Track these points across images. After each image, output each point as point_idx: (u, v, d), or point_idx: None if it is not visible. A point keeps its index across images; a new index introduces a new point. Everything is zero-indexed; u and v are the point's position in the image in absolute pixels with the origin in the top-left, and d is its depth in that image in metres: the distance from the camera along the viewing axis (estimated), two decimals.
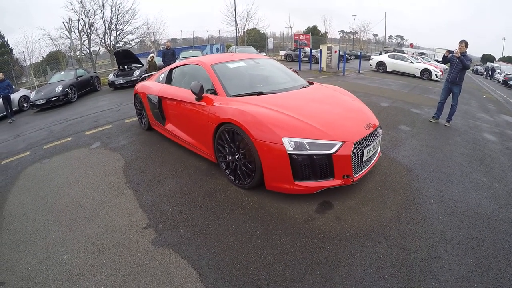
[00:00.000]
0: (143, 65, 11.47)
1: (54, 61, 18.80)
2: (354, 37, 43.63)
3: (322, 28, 38.85)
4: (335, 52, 15.13)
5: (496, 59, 44.00)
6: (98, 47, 21.08)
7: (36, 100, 8.66)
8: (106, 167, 3.57)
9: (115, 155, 3.93)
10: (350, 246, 1.99)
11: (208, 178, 3.05)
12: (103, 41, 20.72)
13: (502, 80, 22.76)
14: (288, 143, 2.21)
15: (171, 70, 4.06)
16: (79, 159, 3.91)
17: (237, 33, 25.48)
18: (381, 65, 15.54)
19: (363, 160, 2.52)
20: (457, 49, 5.32)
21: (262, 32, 28.96)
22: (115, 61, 12.68)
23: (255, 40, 27.31)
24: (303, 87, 3.44)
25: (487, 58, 47.35)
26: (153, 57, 10.45)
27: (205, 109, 2.96)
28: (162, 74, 4.23)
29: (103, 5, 20.14)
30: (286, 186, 2.33)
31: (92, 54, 20.56)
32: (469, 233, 2.28)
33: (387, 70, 15.72)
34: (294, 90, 3.28)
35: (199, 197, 2.69)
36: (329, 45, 15.78)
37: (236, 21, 25.21)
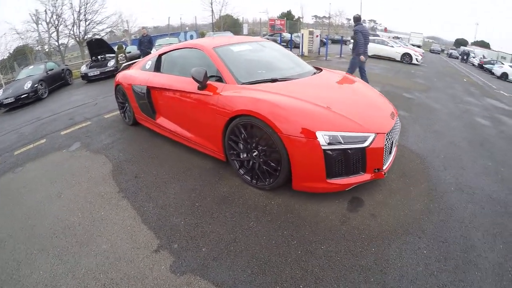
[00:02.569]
0: None
1: (21, 56, 18.15)
2: (329, 21, 45.91)
3: (296, 13, 39.53)
4: (317, 36, 15.43)
5: (469, 43, 47.29)
6: (67, 39, 21.28)
7: (4, 99, 8.21)
8: (91, 173, 3.16)
9: (100, 157, 3.53)
10: (394, 245, 1.96)
11: (218, 180, 2.80)
12: (71, 32, 20.94)
13: (478, 64, 24.65)
14: (322, 138, 2.06)
15: (160, 56, 3.69)
16: (58, 165, 3.45)
17: (213, 19, 25.66)
18: None
19: (391, 151, 2.52)
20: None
21: (236, 18, 29.42)
22: (86, 53, 12.47)
23: (229, 26, 27.66)
24: (314, 73, 3.29)
25: (461, 42, 51.04)
26: (121, 46, 10.03)
27: (211, 99, 2.70)
28: (149, 61, 3.87)
29: None
30: (318, 185, 2.21)
31: (61, 47, 20.52)
32: (492, 219, 2.40)
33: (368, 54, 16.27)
34: (309, 77, 3.10)
35: (213, 204, 2.43)
36: (311, 29, 16.03)
37: (212, 7, 25.33)
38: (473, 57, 28.40)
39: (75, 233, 2.24)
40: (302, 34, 15.17)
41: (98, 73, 10.26)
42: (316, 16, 58.83)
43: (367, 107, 2.57)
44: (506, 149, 4.33)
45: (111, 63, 10.48)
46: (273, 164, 2.33)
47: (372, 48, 16.32)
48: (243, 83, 2.69)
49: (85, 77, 10.38)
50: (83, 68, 10.70)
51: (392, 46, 16.42)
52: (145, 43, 9.71)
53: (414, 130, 4.48)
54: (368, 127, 2.20)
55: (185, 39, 19.66)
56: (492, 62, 22.56)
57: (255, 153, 2.44)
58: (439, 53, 35.92)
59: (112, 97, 6.18)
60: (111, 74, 10.53)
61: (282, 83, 2.76)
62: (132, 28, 23.74)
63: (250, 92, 2.51)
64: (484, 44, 48.41)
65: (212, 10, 25.49)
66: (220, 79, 2.80)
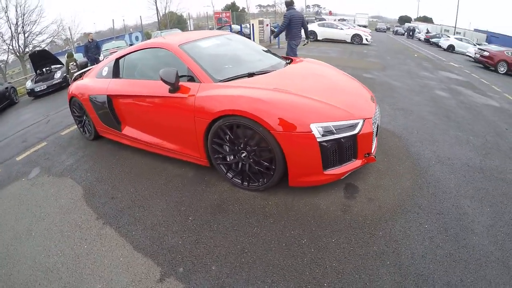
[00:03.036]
0: (63, 64, 10.23)
1: None
2: (274, 10, 47.30)
3: (240, 4, 39.76)
4: (267, 25, 15.73)
5: (413, 20, 50.97)
6: (6, 55, 20.16)
7: None
8: (60, 201, 2.81)
9: (66, 181, 3.17)
10: (397, 225, 2.03)
11: (205, 187, 2.64)
12: (10, 47, 19.73)
13: (424, 38, 26.68)
14: (316, 130, 2.04)
15: (117, 60, 3.40)
16: (20, 198, 3.05)
17: (158, 17, 25.30)
18: (311, 34, 16.46)
19: (376, 134, 2.61)
20: None
21: (180, 14, 29.41)
22: (29, 67, 11.48)
23: (174, 23, 27.44)
24: (286, 64, 3.27)
25: (404, 19, 54.77)
26: (71, 54, 9.39)
27: (187, 102, 2.52)
28: (106, 67, 3.53)
29: (6, 6, 18.82)
30: (316, 178, 2.20)
31: (0, 64, 19.42)
32: (475, 186, 2.63)
33: (318, 38, 16.86)
34: (283, 68, 3.05)
35: (208, 214, 2.29)
36: (260, 19, 16.26)
37: (156, 5, 24.88)
38: (418, 33, 30.71)
39: (60, 276, 1.94)
40: (253, 25, 15.31)
41: (45, 87, 9.63)
42: (260, 6, 59.89)
43: (349, 94, 2.61)
44: (469, 118, 4.75)
45: (58, 74, 9.85)
46: (265, 163, 2.27)
47: (323, 32, 17.03)
48: (220, 81, 2.57)
49: (31, 93, 9.70)
50: (29, 84, 10.01)
51: (342, 29, 17.27)
52: (92, 49, 9.43)
53: (384, 109, 4.71)
54: (356, 113, 2.24)
55: (131, 41, 18.80)
56: (437, 36, 24.62)
57: (243, 154, 2.34)
58: (385, 31, 37.60)
59: (65, 110, 5.69)
60: (60, 87, 9.74)
61: (261, 77, 2.69)
62: (75, 35, 22.45)
63: (231, 90, 2.39)
64: (426, 19, 52.62)
65: (157, 8, 24.95)
66: (192, 79, 2.64)
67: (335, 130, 2.09)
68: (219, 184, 2.67)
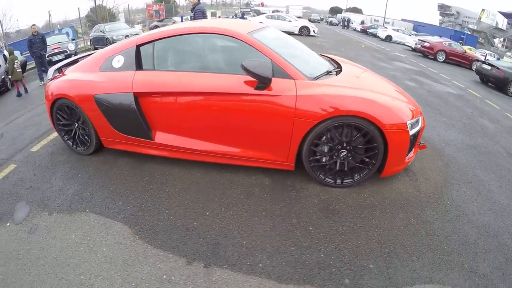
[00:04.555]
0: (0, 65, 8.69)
1: None
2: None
3: None
4: (219, 17, 16.21)
5: (343, 10, 56.04)
6: None
7: None
8: (107, 255, 2.08)
9: (88, 219, 2.42)
10: (453, 193, 2.81)
11: (296, 193, 2.65)
12: None
13: (361, 29, 29.91)
14: (409, 125, 2.47)
15: (138, 48, 2.88)
16: (23, 260, 2.07)
17: (96, 11, 24.02)
18: None
19: None
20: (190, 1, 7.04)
21: (108, 8, 28.40)
22: None
23: (103, 17, 26.27)
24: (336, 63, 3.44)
25: (336, 10, 59.94)
26: (12, 51, 8.32)
27: (283, 101, 2.44)
28: (118, 56, 2.94)
29: None
30: (400, 167, 2.73)
31: None
32: (477, 159, 3.67)
33: None
34: (345, 66, 3.24)
35: (323, 219, 2.36)
36: (212, 10, 16.64)
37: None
38: (351, 24, 34.18)
39: None
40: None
41: None
42: None
43: (400, 93, 3.11)
44: (443, 105, 6.02)
45: None
46: (368, 159, 2.56)
47: (272, 24, 18.08)
48: (311, 79, 2.60)
49: None
50: None
51: (290, 21, 18.57)
52: (37, 43, 8.36)
53: None
54: (417, 110, 2.82)
55: (69, 36, 17.07)
56: (374, 26, 28.04)
57: (343, 153, 2.56)
58: (319, 22, 39.21)
59: (19, 120, 4.94)
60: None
61: (342, 76, 2.88)
62: (8, 29, 19.14)
63: (333, 89, 2.51)
64: (356, 10, 58.62)
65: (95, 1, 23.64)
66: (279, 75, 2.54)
67: (412, 126, 2.60)
68: (306, 186, 2.75)
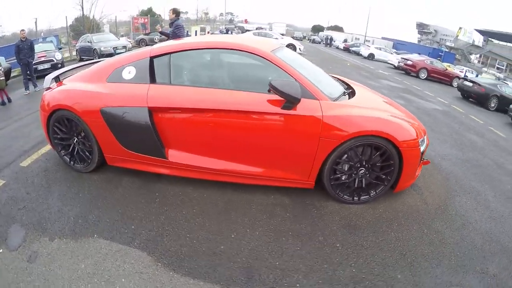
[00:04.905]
0: None
1: None
2: (187, 17, 51.30)
3: (156, 10, 40.27)
4: (208, 32, 16.99)
5: (325, 29, 58.56)
6: None
7: None
8: None
9: (98, 245, 2.23)
10: (455, 203, 3.13)
11: (316, 211, 2.79)
12: None
13: (343, 47, 31.34)
14: (420, 143, 2.77)
15: (152, 60, 2.83)
16: None
17: (83, 20, 24.59)
18: None
19: None
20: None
21: (94, 19, 29.21)
22: None
23: (88, 28, 26.79)
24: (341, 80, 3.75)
25: (318, 28, 62.67)
26: None
27: (310, 121, 2.56)
28: (129, 67, 2.87)
29: None
30: (411, 182, 3.04)
31: None
32: (471, 172, 4.11)
33: None
34: (359, 87, 3.52)
35: (347, 235, 2.51)
36: (202, 26, 17.49)
37: (82, 5, 24.52)
38: (334, 41, 35.77)
39: None
40: (196, 31, 16.33)
41: None
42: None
43: (403, 110, 3.45)
44: (433, 122, 6.53)
45: None
46: (384, 176, 2.79)
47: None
48: (332, 99, 2.75)
49: None
50: None
51: (277, 38, 19.44)
52: (25, 50, 7.97)
53: None
54: (423, 129, 3.14)
55: (56, 45, 17.03)
56: (356, 45, 29.48)
57: (361, 171, 2.77)
58: (301, 40, 39.88)
59: (6, 130, 4.73)
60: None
61: (360, 98, 3.11)
62: None
63: (356, 109, 2.74)
64: (338, 28, 61.42)
65: (82, 8, 24.20)
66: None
67: (422, 142, 2.90)
68: (325, 204, 2.89)
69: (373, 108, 2.92)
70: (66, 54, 14.85)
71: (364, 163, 2.74)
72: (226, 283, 1.99)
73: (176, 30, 6.26)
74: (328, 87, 3.00)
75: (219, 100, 2.64)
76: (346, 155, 2.69)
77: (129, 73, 2.85)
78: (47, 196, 2.81)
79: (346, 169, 2.79)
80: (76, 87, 3.02)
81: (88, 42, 13.98)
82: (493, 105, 10.18)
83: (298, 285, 2.03)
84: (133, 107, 2.71)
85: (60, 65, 10.37)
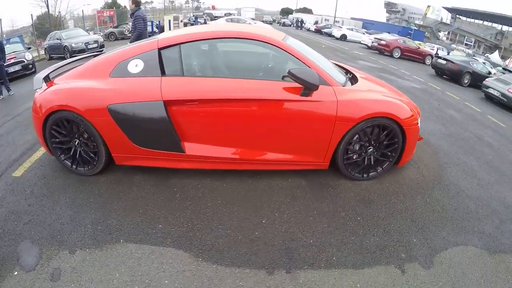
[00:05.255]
0: None
1: None
2: (151, 7, 49.46)
3: (121, 2, 38.54)
4: (181, 21, 16.79)
5: (294, 11, 58.53)
6: None
7: None
8: None
9: (124, 252, 2.13)
10: (448, 174, 3.49)
11: (333, 190, 3.02)
12: None
13: (315, 29, 31.67)
14: (418, 121, 3.11)
15: (159, 51, 2.77)
16: None
17: (49, 18, 23.28)
18: None
19: None
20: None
21: (56, 15, 27.48)
22: None
23: (53, 25, 25.29)
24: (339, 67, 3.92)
25: (287, 11, 62.44)
26: None
27: (327, 106, 2.76)
28: (135, 60, 2.77)
29: None
30: (411, 157, 3.39)
31: None
32: (456, 145, 4.54)
33: None
34: (356, 72, 3.75)
35: (364, 209, 2.76)
36: (175, 15, 17.26)
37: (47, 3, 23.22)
38: (304, 24, 36.07)
39: None
40: (170, 21, 16.00)
41: None
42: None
43: (401, 94, 3.72)
44: (415, 100, 6.84)
45: None
46: (389, 152, 3.07)
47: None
48: (342, 85, 2.96)
49: None
50: None
51: (250, 23, 19.65)
52: None
53: None
54: (417, 108, 3.47)
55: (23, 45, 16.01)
56: (328, 26, 29.88)
57: (370, 150, 3.03)
58: (271, 23, 40.25)
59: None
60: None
61: (364, 82, 3.36)
62: None
63: (363, 93, 3.01)
64: (307, 10, 61.66)
65: (48, 5, 22.71)
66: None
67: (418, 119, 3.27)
68: (339, 183, 3.13)
69: (376, 91, 3.22)
70: (34, 54, 14.05)
71: (372, 142, 3.02)
72: (271, 266, 2.11)
73: (135, 21, 5.80)
74: (335, 73, 3.19)
75: (236, 89, 2.69)
76: (357, 136, 2.94)
77: (136, 66, 2.74)
78: (53, 205, 2.60)
79: (357, 149, 3.05)
80: (76, 85, 2.83)
81: (58, 39, 13.30)
82: (466, 81, 10.95)
83: (334, 258, 2.25)
84: (146, 102, 2.64)
85: (31, 65, 9.84)
